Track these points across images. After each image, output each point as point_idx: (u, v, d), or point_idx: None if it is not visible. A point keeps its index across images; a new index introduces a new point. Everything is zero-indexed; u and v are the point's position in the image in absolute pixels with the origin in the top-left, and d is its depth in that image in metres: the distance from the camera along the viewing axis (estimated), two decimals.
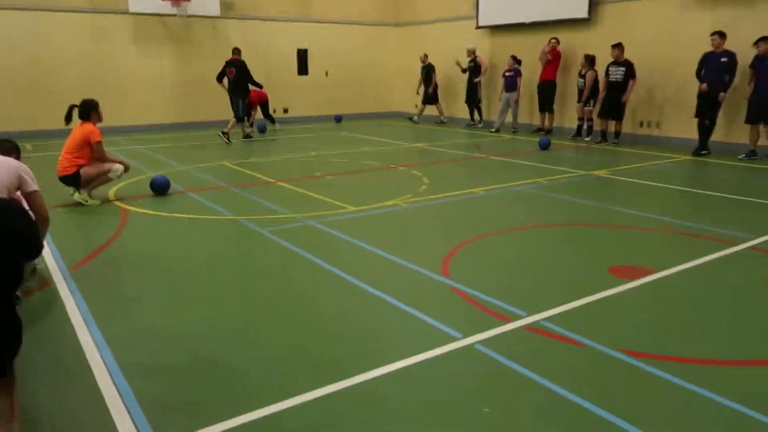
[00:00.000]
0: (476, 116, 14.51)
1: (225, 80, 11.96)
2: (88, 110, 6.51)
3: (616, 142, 11.09)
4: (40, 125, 12.55)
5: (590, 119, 11.73)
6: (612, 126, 11.20)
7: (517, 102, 13.19)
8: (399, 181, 7.86)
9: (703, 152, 9.78)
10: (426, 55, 15.17)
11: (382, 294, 3.85)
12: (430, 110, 15.50)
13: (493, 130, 13.42)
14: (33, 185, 3.68)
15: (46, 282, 4.14)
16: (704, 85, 9.50)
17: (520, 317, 3.48)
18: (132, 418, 2.48)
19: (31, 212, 3.54)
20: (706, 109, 9.63)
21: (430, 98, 15.19)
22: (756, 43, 8.98)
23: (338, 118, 15.32)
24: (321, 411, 2.56)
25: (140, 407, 2.56)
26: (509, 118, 13.45)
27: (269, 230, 5.38)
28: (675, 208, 6.48)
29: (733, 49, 9.42)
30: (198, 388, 2.76)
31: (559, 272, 4.38)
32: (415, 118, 15.67)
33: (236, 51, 12.29)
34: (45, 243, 5.01)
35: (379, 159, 9.63)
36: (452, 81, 15.30)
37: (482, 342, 3.17)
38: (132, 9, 12.81)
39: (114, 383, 2.75)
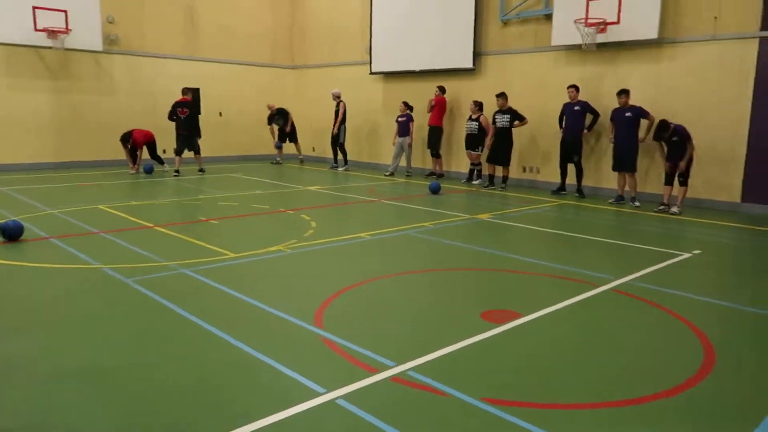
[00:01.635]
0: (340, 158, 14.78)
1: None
2: None
3: (504, 186, 11.62)
4: None
5: (479, 163, 12.24)
6: (499, 171, 11.74)
7: (410, 146, 13.52)
8: (286, 226, 7.70)
9: (562, 192, 10.88)
10: (273, 105, 15.59)
11: (246, 347, 3.64)
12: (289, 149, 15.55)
13: (387, 173, 13.64)
14: None
15: None
16: (561, 131, 10.73)
17: (388, 368, 3.40)
18: None
19: None
20: (570, 152, 10.61)
21: (289, 137, 15.60)
22: (618, 94, 9.83)
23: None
24: None
25: None
26: (403, 162, 13.75)
27: (134, 280, 5.00)
28: (549, 251, 6.78)
29: (595, 101, 10.52)
30: None
31: (432, 319, 4.38)
32: (278, 159, 15.96)
33: (186, 91, 12.79)
34: None
35: (270, 202, 9.43)
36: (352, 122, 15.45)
37: (345, 396, 3.04)
38: (1, 39, 11.90)
39: None
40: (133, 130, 12.83)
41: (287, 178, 12.90)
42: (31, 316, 4.22)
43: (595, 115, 10.43)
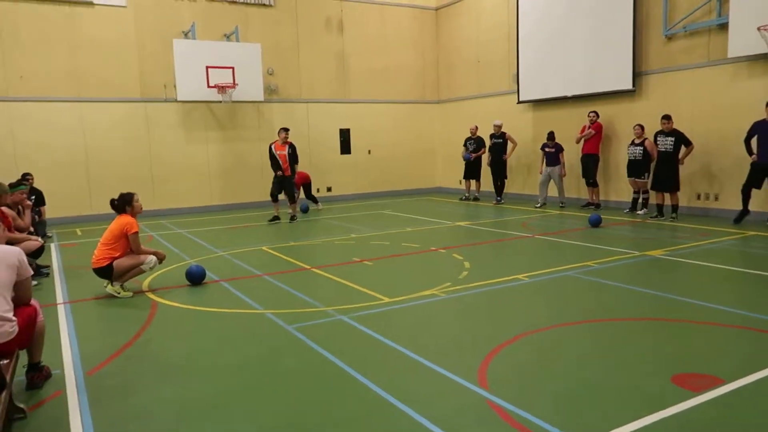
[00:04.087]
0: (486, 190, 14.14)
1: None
2: (123, 204, 6.56)
3: (674, 216, 10.46)
4: (94, 210, 12.98)
5: (646, 191, 11.20)
6: (668, 199, 10.62)
7: (561, 176, 12.80)
8: (439, 266, 7.51)
9: (746, 216, 9.53)
10: (476, 127, 14.85)
11: (412, 411, 3.44)
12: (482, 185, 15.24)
13: (537, 205, 13.02)
14: (29, 270, 3.81)
15: (59, 390, 3.93)
16: (754, 156, 9.22)
17: None
18: None
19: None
20: (762, 179, 9.22)
21: (475, 173, 14.85)
22: None
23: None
24: None
25: None
26: (552, 193, 13.05)
27: (296, 327, 5.08)
28: (744, 296, 5.85)
29: None
30: None
31: (614, 382, 3.85)
32: (470, 195, 15.12)
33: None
34: (67, 340, 4.90)
35: (420, 240, 9.34)
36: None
37: None
38: (180, 98, 13.35)
39: None
40: None
41: (436, 213, 12.80)
42: (197, 361, 4.41)
43: None
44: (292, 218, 12.03)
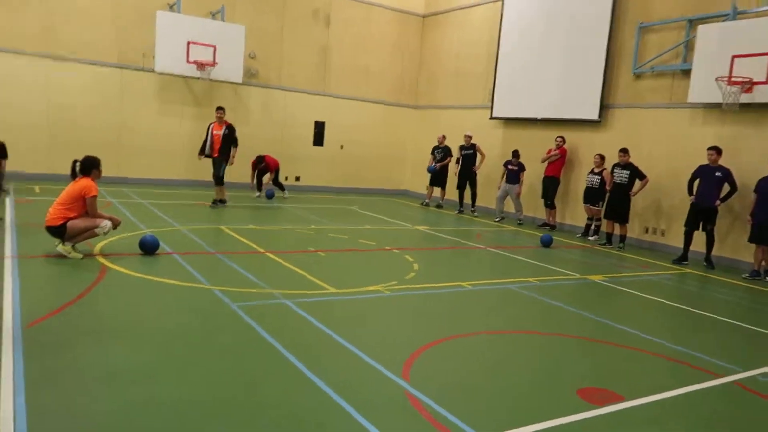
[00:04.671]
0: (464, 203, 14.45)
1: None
2: (89, 167, 6.63)
3: (621, 246, 10.94)
4: (58, 170, 12.81)
5: (599, 219, 11.67)
6: (617, 229, 11.09)
7: (518, 195, 13.20)
8: (389, 265, 7.75)
9: (684, 262, 9.89)
10: (444, 137, 15.11)
11: (333, 393, 3.65)
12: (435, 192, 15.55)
13: (497, 219, 13.40)
14: None
15: None
16: (692, 197, 9.78)
17: None
18: None
19: None
20: (699, 221, 9.74)
21: (441, 181, 15.09)
22: None
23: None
24: None
25: None
26: (509, 208, 13.47)
27: (239, 305, 5.25)
28: (665, 327, 6.24)
29: (731, 166, 9.53)
30: None
31: (524, 388, 4.15)
32: (440, 202, 15.35)
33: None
34: (9, 293, 4.97)
35: (377, 239, 9.57)
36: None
37: None
38: (158, 69, 13.29)
39: None
40: (265, 156, 13.73)
41: (399, 215, 13.05)
42: (136, 327, 4.55)
43: (733, 188, 9.38)
44: (215, 202, 11.38)
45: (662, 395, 4.14)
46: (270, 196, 13.62)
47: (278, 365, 4.07)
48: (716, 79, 9.54)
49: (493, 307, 6.27)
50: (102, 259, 6.48)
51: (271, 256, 7.50)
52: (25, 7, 12.39)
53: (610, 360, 4.94)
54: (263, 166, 13.79)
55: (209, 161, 11.59)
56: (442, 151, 14.93)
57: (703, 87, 9.98)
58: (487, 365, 4.52)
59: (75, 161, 6.73)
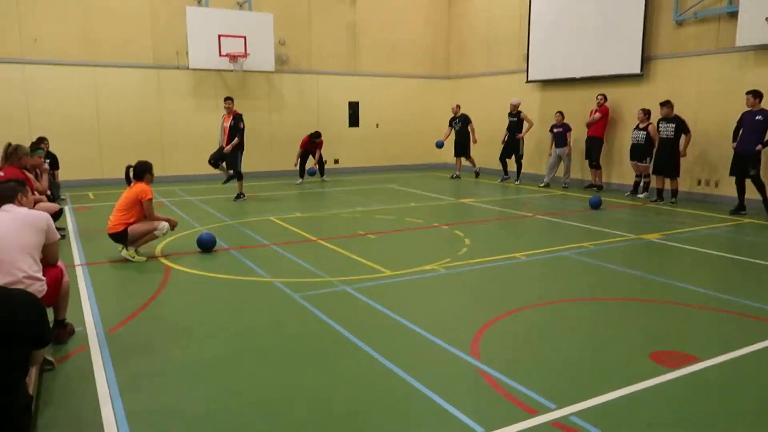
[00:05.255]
0: (508, 171, 14.26)
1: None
2: (142, 172, 6.84)
3: (674, 201, 10.67)
4: (105, 174, 13.27)
5: (647, 176, 11.40)
6: (668, 184, 10.82)
7: (569, 156, 12.97)
8: (440, 242, 7.79)
9: (741, 212, 9.60)
10: (458, 106, 15.07)
11: (406, 374, 3.74)
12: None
13: (542, 185, 13.22)
14: (56, 234, 4.10)
15: (83, 346, 4.25)
16: (734, 144, 9.55)
17: (549, 410, 3.29)
18: None
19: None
20: (745, 166, 9.43)
21: (464, 150, 14.95)
22: None
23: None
24: None
25: None
26: (559, 173, 13.24)
27: (302, 295, 5.39)
28: (731, 281, 6.10)
29: None
30: None
31: (595, 356, 4.15)
32: (457, 173, 15.30)
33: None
34: (87, 301, 5.23)
35: (424, 216, 9.60)
36: (501, 133, 15.17)
37: None
38: (192, 65, 13.50)
39: None
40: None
41: (441, 189, 13.03)
42: (210, 324, 4.73)
43: None
44: (237, 196, 11.17)
45: (736, 353, 4.09)
46: (312, 173, 13.97)
47: (348, 350, 4.19)
48: (766, 19, 9.09)
49: (551, 277, 6.24)
50: (164, 260, 6.72)
51: (324, 243, 7.63)
52: (66, 18, 12.73)
53: (678, 321, 4.88)
54: (319, 141, 13.79)
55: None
56: (460, 121, 14.81)
57: (752, 28, 9.55)
58: (555, 336, 4.54)
59: (128, 167, 6.96)
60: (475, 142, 14.80)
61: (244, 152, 11.29)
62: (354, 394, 3.56)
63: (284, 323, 4.80)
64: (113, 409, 3.33)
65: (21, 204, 4.05)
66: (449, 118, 15.19)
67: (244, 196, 11.31)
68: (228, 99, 11.26)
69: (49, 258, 4.09)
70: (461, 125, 14.80)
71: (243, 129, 11.04)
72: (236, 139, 10.90)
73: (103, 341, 4.32)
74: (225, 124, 11.08)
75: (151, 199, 6.78)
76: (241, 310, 5.15)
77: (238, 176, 11.16)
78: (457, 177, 15.10)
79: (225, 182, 11.40)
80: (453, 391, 3.54)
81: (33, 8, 12.39)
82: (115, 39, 13.20)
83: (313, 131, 13.90)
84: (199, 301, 5.42)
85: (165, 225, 6.90)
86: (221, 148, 11.09)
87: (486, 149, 15.21)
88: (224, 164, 11.16)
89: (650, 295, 5.55)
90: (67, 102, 12.90)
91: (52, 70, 12.69)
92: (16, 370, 2.32)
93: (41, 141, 10.39)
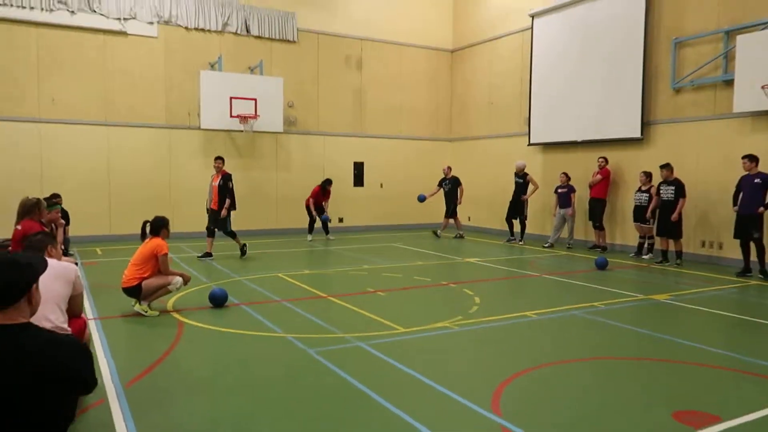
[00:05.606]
0: (514, 231, 14.38)
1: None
2: (159, 227, 6.95)
3: (679, 263, 10.76)
4: (113, 230, 13.38)
5: (651, 237, 11.52)
6: (672, 245, 10.93)
7: (572, 216, 13.14)
8: (450, 300, 7.81)
9: (747, 274, 9.64)
10: (450, 168, 15.46)
11: (428, 430, 3.72)
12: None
13: (546, 245, 13.32)
14: (82, 286, 4.16)
15: (101, 399, 4.22)
16: (736, 208, 9.68)
17: None
18: None
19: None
20: (749, 229, 9.52)
21: (453, 212, 15.18)
22: None
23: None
24: None
25: None
26: (563, 234, 13.38)
27: (316, 351, 5.38)
28: (742, 341, 6.11)
29: None
30: None
31: (618, 415, 4.13)
32: (439, 232, 15.57)
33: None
34: (102, 354, 5.22)
35: (432, 274, 9.65)
36: (507, 193, 15.36)
37: None
38: (203, 126, 13.88)
39: None
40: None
41: (445, 249, 13.12)
42: (226, 378, 4.71)
43: None
44: (242, 251, 11.25)
45: (758, 413, 4.07)
46: (326, 219, 14.07)
47: (366, 405, 4.17)
48: (762, 87, 9.47)
49: (565, 335, 6.25)
50: (176, 315, 6.73)
51: (334, 299, 7.65)
52: (85, 80, 13.19)
53: (695, 380, 4.87)
54: (329, 189, 14.11)
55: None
56: (450, 183, 15.11)
57: (749, 95, 9.91)
58: (576, 394, 4.52)
59: (145, 222, 7.07)
60: (459, 203, 15.07)
61: (236, 210, 11.46)
62: None
63: (301, 378, 4.78)
64: None
65: (50, 255, 4.13)
66: (439, 179, 15.49)
67: (211, 256, 11.01)
68: (218, 158, 11.32)
69: (75, 309, 4.13)
70: (451, 186, 15.14)
71: (232, 188, 11.11)
72: (228, 201, 10.95)
73: (122, 394, 4.30)
74: (214, 183, 11.15)
75: (166, 254, 6.85)
76: (256, 364, 5.13)
77: (231, 235, 11.23)
78: (436, 235, 15.36)
79: (242, 256, 11.29)
80: None
81: (53, 70, 12.85)
82: (130, 100, 13.62)
83: (324, 179, 14.20)
84: (213, 355, 5.41)
85: (179, 280, 6.94)
86: (212, 212, 11.10)
87: (488, 210, 15.45)
88: (237, 239, 11.28)
89: (664, 354, 5.56)
90: (80, 159, 13.17)
91: (67, 128, 13.03)
92: (65, 419, 2.33)
93: (55, 197, 10.56)
